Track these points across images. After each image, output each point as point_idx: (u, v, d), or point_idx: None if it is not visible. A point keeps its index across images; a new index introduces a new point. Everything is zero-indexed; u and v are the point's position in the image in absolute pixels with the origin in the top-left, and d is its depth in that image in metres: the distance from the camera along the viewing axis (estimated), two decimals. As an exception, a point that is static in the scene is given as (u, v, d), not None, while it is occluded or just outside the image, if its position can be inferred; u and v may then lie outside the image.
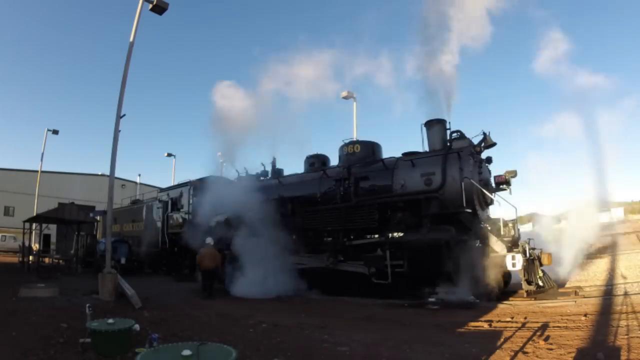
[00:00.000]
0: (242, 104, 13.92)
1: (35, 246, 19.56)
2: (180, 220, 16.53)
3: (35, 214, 19.60)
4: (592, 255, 13.22)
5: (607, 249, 14.40)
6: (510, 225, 9.60)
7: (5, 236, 28.54)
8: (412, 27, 12.96)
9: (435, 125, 10.90)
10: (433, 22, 11.66)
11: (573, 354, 4.71)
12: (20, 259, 18.13)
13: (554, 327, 6.07)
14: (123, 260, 16.49)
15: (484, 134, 10.60)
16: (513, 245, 9.17)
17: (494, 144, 10.66)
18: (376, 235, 10.76)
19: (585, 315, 6.54)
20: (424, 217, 9.57)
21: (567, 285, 10.16)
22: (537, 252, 9.02)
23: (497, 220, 9.82)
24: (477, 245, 9.70)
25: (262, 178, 14.94)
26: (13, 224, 29.31)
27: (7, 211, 37.22)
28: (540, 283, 8.79)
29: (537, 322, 6.44)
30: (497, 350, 5.05)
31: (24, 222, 17.73)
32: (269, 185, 13.89)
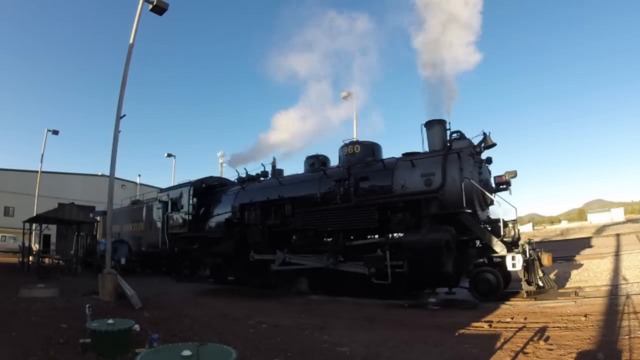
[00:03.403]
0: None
1: (35, 246, 19.54)
2: (180, 220, 16.52)
3: (35, 215, 19.59)
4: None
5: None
6: (511, 225, 9.60)
7: (5, 236, 28.51)
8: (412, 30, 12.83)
9: (435, 126, 10.90)
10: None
11: (573, 355, 4.70)
12: (20, 259, 18.11)
13: (554, 327, 6.06)
14: (123, 261, 16.49)
15: (484, 134, 10.60)
16: (513, 245, 9.17)
17: (494, 145, 10.66)
18: (376, 236, 10.76)
19: (585, 315, 6.53)
20: (424, 217, 9.56)
21: (567, 286, 10.16)
22: (537, 252, 9.01)
23: (497, 220, 9.82)
24: (477, 245, 9.72)
25: (262, 178, 14.96)
26: (13, 224, 29.27)
27: (7, 211, 37.17)
28: (541, 283, 8.77)
29: (537, 323, 6.43)
30: (498, 351, 5.05)
31: (24, 222, 17.72)
32: (269, 185, 13.90)
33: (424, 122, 11.02)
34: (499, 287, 8.78)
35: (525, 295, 8.68)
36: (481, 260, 9.62)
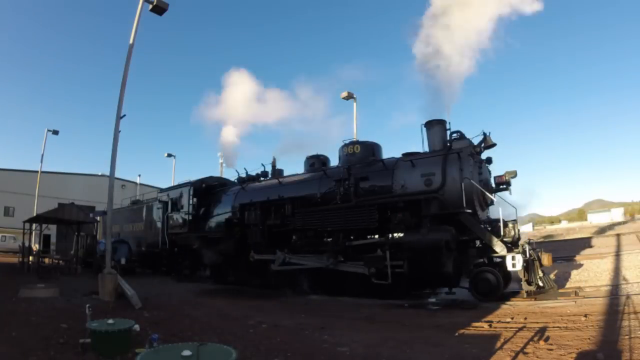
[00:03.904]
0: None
1: (35, 246, 19.54)
2: (180, 220, 16.53)
3: (35, 215, 19.59)
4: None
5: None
6: (511, 225, 9.60)
7: (5, 236, 28.50)
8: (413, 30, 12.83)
9: (435, 126, 10.90)
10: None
11: (573, 355, 4.70)
12: (20, 259, 18.11)
13: (554, 327, 6.06)
14: (123, 261, 16.49)
15: (484, 134, 10.60)
16: (513, 245, 9.17)
17: (494, 145, 10.66)
18: (376, 236, 10.75)
19: (585, 315, 6.53)
20: (424, 217, 9.56)
21: (567, 286, 10.16)
22: (537, 252, 9.02)
23: (497, 220, 9.82)
24: (477, 245, 9.72)
25: (262, 178, 14.97)
26: (13, 224, 29.27)
27: (7, 211, 37.18)
28: (541, 283, 8.78)
29: (537, 323, 6.43)
30: (498, 351, 5.05)
31: (24, 222, 17.71)
32: (269, 185, 13.90)
33: (424, 122, 11.03)
34: (499, 287, 8.78)
35: (525, 295, 8.69)
36: (481, 260, 9.63)
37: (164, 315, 7.91)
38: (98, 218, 19.74)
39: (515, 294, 9.20)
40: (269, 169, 15.25)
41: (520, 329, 6.12)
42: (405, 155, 11.06)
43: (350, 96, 19.72)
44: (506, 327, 6.35)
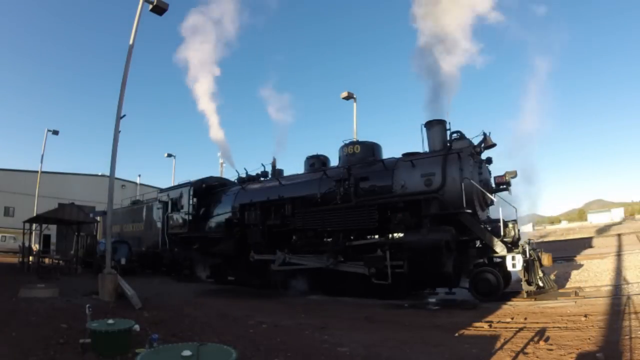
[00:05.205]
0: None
1: (35, 246, 19.55)
2: (180, 220, 16.54)
3: (35, 215, 19.59)
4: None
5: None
6: (511, 225, 9.60)
7: (5, 236, 28.51)
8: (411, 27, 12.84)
9: (435, 126, 10.91)
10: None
11: (573, 355, 4.70)
12: (20, 259, 18.12)
13: (554, 327, 6.06)
14: (123, 261, 16.49)
15: (484, 134, 10.60)
16: (513, 245, 9.17)
17: (494, 145, 10.66)
18: (376, 236, 10.75)
19: (585, 315, 6.54)
20: (424, 217, 9.56)
21: (567, 286, 10.16)
22: (537, 252, 9.02)
23: (497, 220, 9.82)
24: (477, 245, 9.72)
25: (262, 178, 14.98)
26: (13, 224, 29.27)
27: (7, 211, 37.17)
28: (541, 283, 8.78)
29: (537, 323, 6.43)
30: (498, 351, 5.05)
31: (24, 222, 17.72)
32: (269, 185, 13.91)
33: (424, 122, 11.03)
34: (499, 287, 8.78)
35: (525, 295, 8.69)
36: (481, 260, 9.63)
37: (164, 315, 7.90)
38: (98, 218, 19.75)
39: (515, 294, 9.20)
40: (269, 169, 15.26)
41: (520, 329, 6.12)
42: (405, 155, 11.07)
43: (350, 96, 19.71)
44: (506, 327, 6.35)
